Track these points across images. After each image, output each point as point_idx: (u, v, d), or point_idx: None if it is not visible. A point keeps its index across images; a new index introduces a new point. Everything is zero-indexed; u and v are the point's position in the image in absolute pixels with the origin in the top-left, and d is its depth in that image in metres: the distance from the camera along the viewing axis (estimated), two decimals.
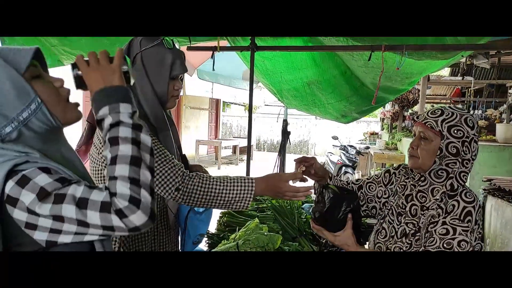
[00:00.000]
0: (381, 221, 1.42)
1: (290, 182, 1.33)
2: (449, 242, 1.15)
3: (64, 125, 0.91)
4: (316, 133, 15.93)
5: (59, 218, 0.76)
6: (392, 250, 1.31)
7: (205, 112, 12.90)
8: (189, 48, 2.65)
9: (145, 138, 0.86)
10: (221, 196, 1.26)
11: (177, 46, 1.36)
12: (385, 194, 1.46)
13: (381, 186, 1.48)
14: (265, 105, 13.78)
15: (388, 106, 9.72)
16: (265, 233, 1.84)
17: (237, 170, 10.79)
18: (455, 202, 1.21)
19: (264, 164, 8.65)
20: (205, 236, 2.03)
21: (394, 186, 1.44)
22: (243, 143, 12.42)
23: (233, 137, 15.39)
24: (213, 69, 2.76)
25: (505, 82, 7.60)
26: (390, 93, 3.57)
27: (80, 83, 0.91)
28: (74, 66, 0.91)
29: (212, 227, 2.04)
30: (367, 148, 8.83)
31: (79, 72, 0.90)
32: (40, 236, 0.78)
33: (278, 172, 3.88)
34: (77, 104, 0.93)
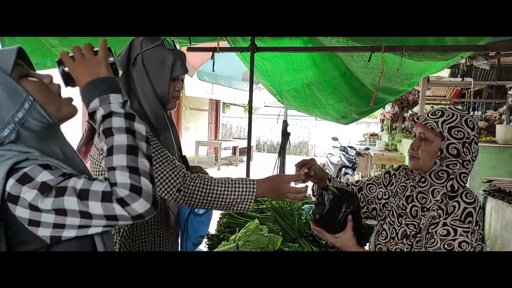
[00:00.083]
0: (382, 222, 1.42)
1: (292, 184, 1.33)
2: (450, 243, 1.15)
3: (60, 122, 0.91)
4: (316, 134, 15.94)
5: (61, 212, 0.76)
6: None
7: (205, 113, 12.90)
8: (189, 49, 2.65)
9: (139, 126, 0.85)
10: (222, 197, 1.26)
11: (178, 47, 1.36)
12: (385, 195, 1.46)
13: (381, 187, 1.47)
14: (265, 106, 13.78)
15: (388, 107, 9.73)
16: (265, 234, 1.84)
17: (237, 171, 10.78)
18: (455, 203, 1.21)
19: (264, 165, 8.65)
20: (205, 237, 2.03)
21: (395, 187, 1.44)
22: (243, 144, 12.43)
23: (233, 138, 15.40)
24: (213, 70, 2.76)
25: (505, 83, 7.60)
26: (390, 94, 3.57)
27: (67, 79, 0.91)
28: (60, 63, 0.90)
29: (212, 228, 2.04)
30: (367, 149, 8.83)
31: (66, 69, 0.90)
32: (44, 233, 0.78)
33: (278, 173, 3.88)
34: (70, 99, 0.93)
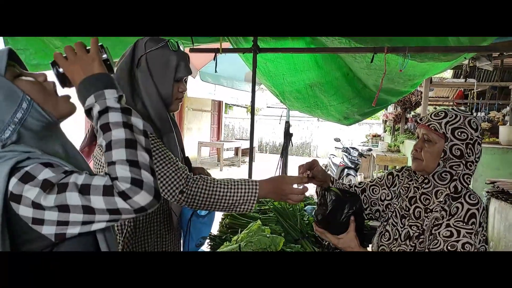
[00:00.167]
0: (385, 223, 1.42)
1: (294, 186, 1.32)
2: (453, 244, 1.14)
3: (59, 120, 0.91)
4: (318, 135, 15.93)
5: (64, 208, 0.76)
6: None
7: (207, 114, 12.92)
8: (192, 50, 2.66)
9: (136, 120, 0.86)
10: (225, 198, 1.25)
11: (181, 49, 1.36)
12: (388, 196, 1.45)
13: (385, 188, 1.47)
14: (267, 107, 13.79)
15: (390, 108, 9.71)
16: (267, 235, 1.84)
17: (239, 172, 10.79)
18: (459, 204, 1.21)
19: (266, 166, 8.65)
20: (208, 238, 2.03)
21: (398, 189, 1.43)
22: (245, 145, 12.44)
23: (235, 139, 15.42)
24: (216, 71, 2.76)
25: (508, 84, 7.57)
26: (392, 95, 3.57)
27: (63, 79, 0.91)
28: (54, 64, 0.91)
29: (215, 229, 2.04)
30: (370, 150, 8.83)
31: (60, 69, 0.90)
32: (48, 231, 0.78)
33: (280, 174, 3.88)
34: (68, 97, 0.93)
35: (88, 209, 0.76)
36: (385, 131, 11.40)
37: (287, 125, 4.01)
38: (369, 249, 1.48)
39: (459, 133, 1.21)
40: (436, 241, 1.18)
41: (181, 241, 1.60)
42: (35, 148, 0.84)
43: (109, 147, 0.80)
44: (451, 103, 10.02)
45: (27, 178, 0.77)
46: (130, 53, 1.32)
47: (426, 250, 1.21)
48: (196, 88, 7.14)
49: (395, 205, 1.40)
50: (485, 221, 1.20)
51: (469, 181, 1.24)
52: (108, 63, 0.93)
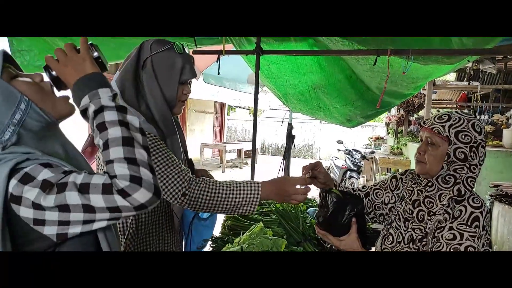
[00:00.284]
0: (388, 226, 1.41)
1: (297, 187, 1.32)
2: (456, 247, 1.14)
3: (58, 120, 0.92)
4: (321, 137, 15.92)
5: (64, 208, 0.76)
6: None
7: (210, 115, 12.93)
8: (195, 52, 2.66)
9: (132, 119, 0.86)
10: (227, 200, 1.25)
11: (187, 51, 1.36)
12: (391, 199, 1.45)
13: (388, 192, 1.46)
14: (270, 109, 13.79)
15: (393, 111, 9.70)
16: (270, 237, 1.84)
17: (242, 173, 10.79)
18: (462, 208, 1.20)
19: (268, 168, 8.64)
20: (210, 240, 2.03)
21: (401, 192, 1.43)
22: (248, 146, 12.44)
23: (238, 140, 15.43)
24: (219, 73, 2.77)
25: None
26: (395, 98, 3.56)
27: (58, 83, 0.91)
28: (46, 68, 0.91)
29: (217, 231, 2.03)
30: (372, 152, 8.81)
31: (53, 72, 0.90)
32: (50, 231, 0.78)
33: (283, 176, 3.87)
34: (66, 97, 0.93)
35: (88, 208, 0.76)
36: (388, 134, 11.37)
37: (290, 127, 4.01)
38: None
39: (463, 136, 1.20)
40: (439, 244, 1.18)
41: (183, 243, 1.60)
42: (35, 149, 0.84)
43: (106, 146, 0.81)
44: (455, 106, 10.00)
45: (27, 179, 0.77)
46: (135, 54, 1.32)
47: None
48: (199, 89, 7.15)
49: (398, 208, 1.40)
50: (488, 224, 1.20)
51: (473, 184, 1.23)
52: (100, 61, 0.93)
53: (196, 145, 11.11)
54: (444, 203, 1.24)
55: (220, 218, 1.98)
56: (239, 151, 12.84)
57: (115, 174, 0.77)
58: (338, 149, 9.09)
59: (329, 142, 14.73)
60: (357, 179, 7.69)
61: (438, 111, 9.98)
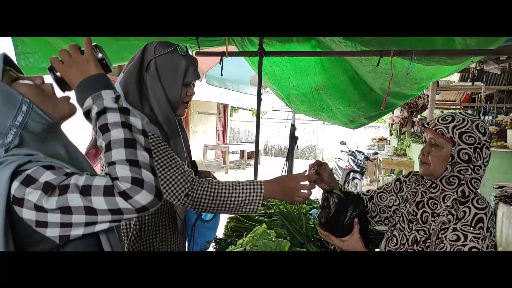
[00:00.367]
0: (392, 228, 1.41)
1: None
2: (460, 248, 1.13)
3: (60, 121, 0.92)
4: (324, 139, 15.89)
5: (66, 210, 0.76)
6: None
7: (213, 117, 12.94)
8: (198, 53, 2.66)
9: (135, 120, 0.86)
10: (230, 200, 1.25)
11: (190, 53, 1.37)
12: (396, 202, 1.44)
13: (392, 195, 1.46)
14: (273, 110, 13.79)
15: (397, 112, 9.67)
16: (273, 239, 1.83)
17: (245, 175, 10.79)
18: (466, 209, 1.19)
19: (271, 169, 8.64)
20: (213, 241, 2.02)
21: (405, 194, 1.42)
22: (251, 148, 12.43)
23: (241, 142, 15.43)
24: (222, 74, 2.77)
25: None
26: (399, 99, 3.55)
27: (62, 84, 0.92)
28: (51, 69, 0.91)
29: (220, 233, 2.03)
30: (376, 153, 8.79)
31: (58, 74, 0.91)
32: (53, 233, 0.79)
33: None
34: (67, 98, 0.94)
35: (90, 210, 0.77)
36: (391, 135, 11.34)
37: (293, 128, 4.01)
38: None
39: (467, 137, 1.20)
40: (443, 245, 1.17)
41: (186, 244, 1.60)
42: (37, 150, 0.84)
43: (108, 147, 0.81)
44: (458, 107, 9.95)
45: (29, 181, 0.77)
46: (139, 56, 1.33)
47: None
48: (202, 91, 7.17)
49: (402, 210, 1.39)
50: (493, 226, 1.19)
51: (477, 185, 1.23)
52: (104, 62, 0.93)
53: (199, 146, 11.13)
54: (448, 204, 1.23)
55: (223, 219, 1.98)
56: (242, 152, 12.85)
57: (117, 176, 0.78)
58: (341, 150, 9.07)
59: (332, 143, 14.70)
60: (360, 180, 7.66)
61: (442, 112, 9.94)
